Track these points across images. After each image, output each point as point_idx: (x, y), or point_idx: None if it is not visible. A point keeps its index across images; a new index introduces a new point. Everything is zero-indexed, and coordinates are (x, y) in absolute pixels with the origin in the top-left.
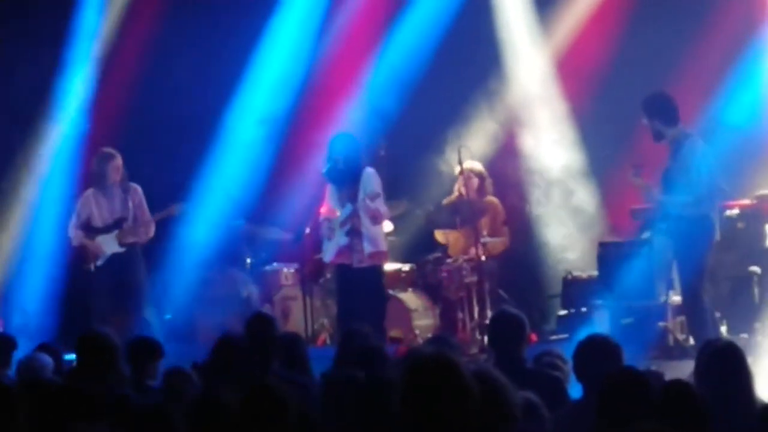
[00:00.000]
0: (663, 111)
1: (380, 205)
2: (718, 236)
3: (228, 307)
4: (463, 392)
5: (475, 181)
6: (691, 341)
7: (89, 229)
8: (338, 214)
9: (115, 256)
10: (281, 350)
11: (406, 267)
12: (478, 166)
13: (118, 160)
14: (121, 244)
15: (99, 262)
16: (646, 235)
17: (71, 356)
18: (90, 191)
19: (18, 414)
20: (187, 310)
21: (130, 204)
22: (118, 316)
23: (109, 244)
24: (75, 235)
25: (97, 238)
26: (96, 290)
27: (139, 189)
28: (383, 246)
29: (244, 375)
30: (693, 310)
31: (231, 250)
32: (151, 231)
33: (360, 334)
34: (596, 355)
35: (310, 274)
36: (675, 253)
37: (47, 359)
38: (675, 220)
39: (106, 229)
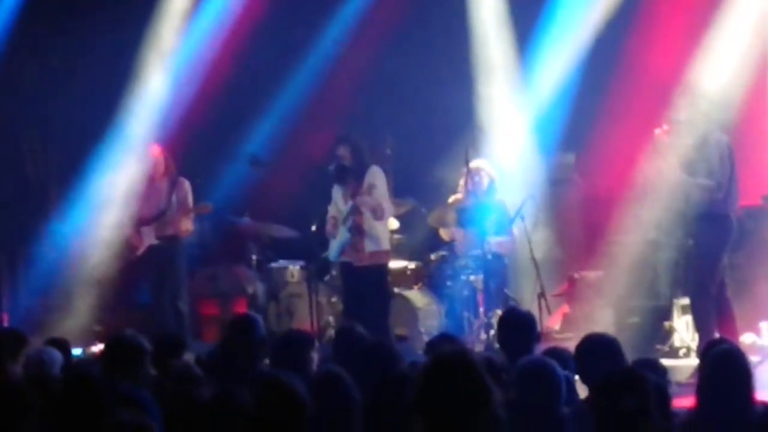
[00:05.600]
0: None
1: (383, 199)
2: (735, 235)
3: (233, 304)
4: (482, 390)
5: (485, 180)
6: (697, 340)
7: (137, 220)
8: (344, 211)
9: (153, 248)
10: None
11: (412, 265)
12: (486, 164)
13: (162, 154)
14: (158, 237)
15: (139, 253)
16: (652, 234)
17: (78, 351)
18: (145, 184)
19: (28, 413)
20: (192, 306)
21: (174, 198)
22: (154, 306)
23: (149, 236)
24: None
25: (142, 230)
26: (134, 280)
27: (186, 183)
28: (385, 245)
29: (245, 373)
30: (701, 308)
31: (237, 247)
32: (188, 225)
33: (355, 332)
34: (596, 353)
35: (316, 271)
36: (693, 249)
37: (56, 354)
38: (697, 219)
39: (148, 221)
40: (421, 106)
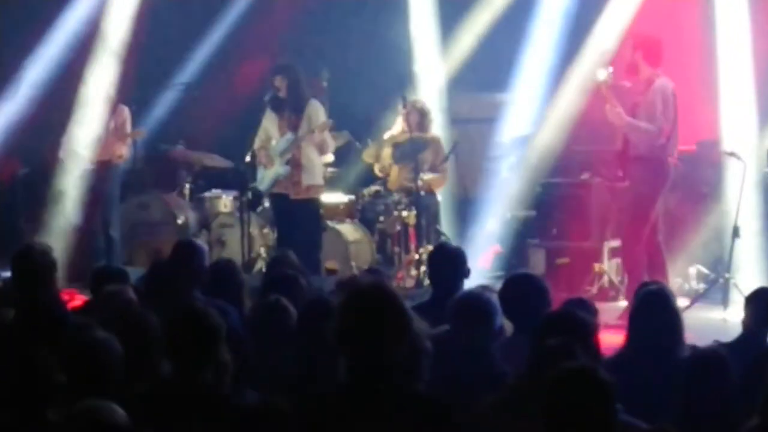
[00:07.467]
0: (648, 47)
1: (327, 136)
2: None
3: (164, 232)
4: (400, 321)
5: (416, 116)
6: (626, 283)
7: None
8: (274, 142)
9: (86, 173)
10: (210, 277)
11: (345, 199)
12: (421, 101)
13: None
14: (92, 161)
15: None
16: (585, 176)
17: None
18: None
19: None
20: (124, 234)
21: (112, 123)
22: (85, 231)
23: (85, 160)
24: None
25: (77, 153)
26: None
27: (125, 110)
28: (320, 179)
29: (173, 299)
30: (631, 252)
31: (169, 175)
32: (123, 151)
33: (282, 262)
34: (522, 292)
35: (249, 202)
36: (627, 192)
37: None
38: (634, 162)
39: (85, 146)
40: (358, 39)
